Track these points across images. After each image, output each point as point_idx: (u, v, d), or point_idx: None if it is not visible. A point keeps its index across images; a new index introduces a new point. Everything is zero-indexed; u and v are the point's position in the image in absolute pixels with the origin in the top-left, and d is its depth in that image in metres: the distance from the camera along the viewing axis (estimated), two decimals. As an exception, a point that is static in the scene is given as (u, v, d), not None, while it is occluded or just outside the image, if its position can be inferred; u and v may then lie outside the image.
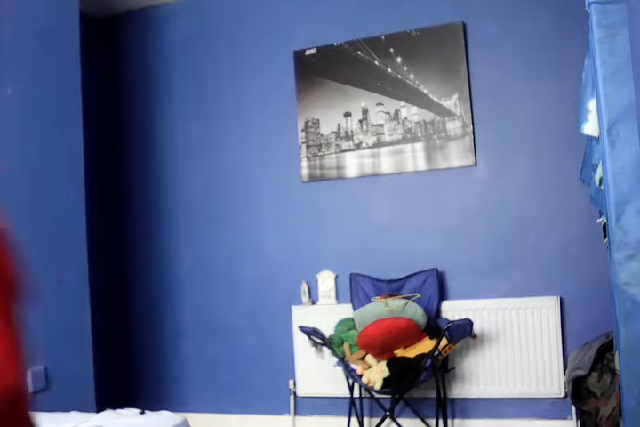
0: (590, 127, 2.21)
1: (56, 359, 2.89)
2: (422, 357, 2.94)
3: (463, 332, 2.97)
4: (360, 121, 3.58)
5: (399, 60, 3.51)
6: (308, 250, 3.66)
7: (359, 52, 3.59)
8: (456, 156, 3.40)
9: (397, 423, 3.14)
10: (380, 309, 3.15)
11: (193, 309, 3.88)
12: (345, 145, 3.60)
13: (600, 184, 2.17)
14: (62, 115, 3.14)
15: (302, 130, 3.69)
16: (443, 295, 3.36)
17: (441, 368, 3.15)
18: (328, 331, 3.32)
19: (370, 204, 3.57)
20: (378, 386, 2.90)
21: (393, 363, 2.94)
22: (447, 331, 2.90)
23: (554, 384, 3.16)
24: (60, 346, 2.95)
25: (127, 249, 4.06)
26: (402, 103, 3.50)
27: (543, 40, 3.29)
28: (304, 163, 3.68)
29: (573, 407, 3.07)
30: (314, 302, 3.61)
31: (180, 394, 3.86)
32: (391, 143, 3.51)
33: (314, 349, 3.47)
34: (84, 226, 3.21)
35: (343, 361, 3.12)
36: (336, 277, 3.57)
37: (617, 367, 2.04)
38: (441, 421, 3.14)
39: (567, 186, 3.18)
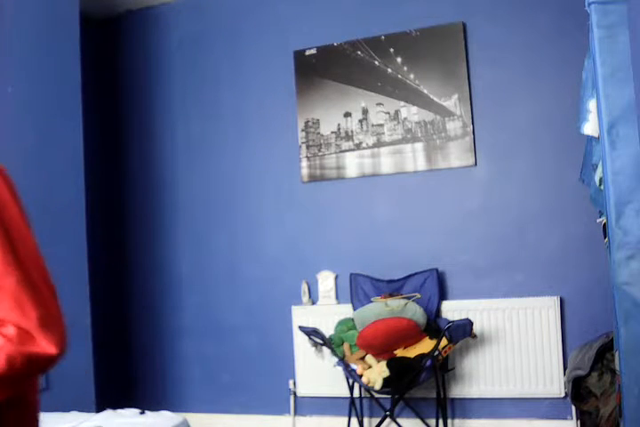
0: (590, 127, 2.21)
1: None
2: (422, 357, 2.94)
3: (463, 332, 2.97)
4: (360, 121, 3.58)
5: (399, 60, 3.51)
6: (308, 250, 3.66)
7: (359, 52, 3.59)
8: (456, 156, 3.40)
9: (397, 423, 3.14)
10: (380, 309, 3.15)
11: (193, 309, 3.88)
12: (345, 145, 3.60)
13: (600, 184, 2.17)
14: (62, 115, 3.14)
15: (302, 130, 3.68)
16: (443, 295, 3.36)
17: (441, 368, 3.15)
18: (328, 331, 3.32)
19: (370, 204, 3.57)
20: (378, 386, 2.90)
21: (393, 363, 2.94)
22: (447, 331, 2.90)
23: (554, 384, 3.16)
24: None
25: (127, 249, 4.06)
26: (402, 103, 3.50)
27: (543, 40, 3.29)
28: (304, 163, 3.68)
29: (573, 407, 3.07)
30: (314, 302, 3.61)
31: (180, 394, 3.86)
32: (391, 143, 3.51)
33: (314, 349, 3.47)
34: (84, 226, 3.21)
35: (343, 361, 3.12)
36: (336, 277, 3.57)
37: (617, 367, 2.04)
38: (441, 421, 3.14)
39: (567, 186, 3.18)
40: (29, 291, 0.87)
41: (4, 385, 0.85)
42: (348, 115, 3.60)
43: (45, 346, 0.85)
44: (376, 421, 3.22)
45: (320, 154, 3.64)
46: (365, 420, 3.38)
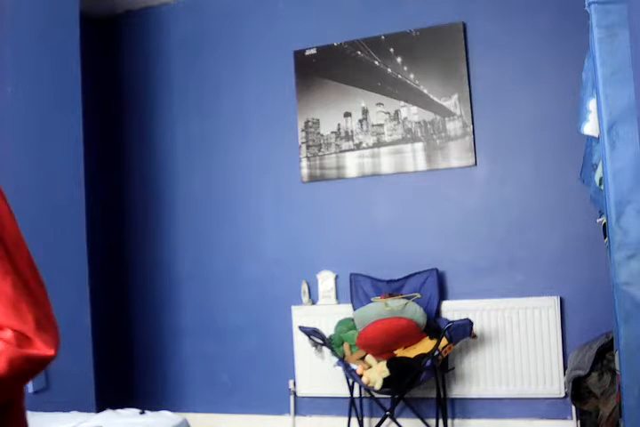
0: (590, 127, 2.21)
1: (56, 359, 2.89)
2: (422, 357, 2.94)
3: (463, 332, 2.97)
4: (360, 121, 3.58)
5: (399, 60, 3.51)
6: (307, 250, 3.66)
7: (359, 52, 3.59)
8: (456, 156, 3.40)
9: (397, 423, 3.14)
10: (380, 309, 3.15)
11: (193, 309, 3.88)
12: (345, 145, 3.60)
13: (600, 184, 2.17)
14: (62, 115, 3.14)
15: (302, 130, 3.68)
16: (443, 295, 3.36)
17: (441, 368, 3.15)
18: (328, 331, 3.32)
19: (370, 204, 3.57)
20: (378, 386, 2.90)
21: (393, 363, 2.94)
22: (447, 331, 2.90)
23: (554, 384, 3.16)
24: (60, 346, 2.95)
25: (127, 249, 4.06)
26: (402, 103, 3.50)
27: (543, 40, 3.29)
28: (304, 163, 3.68)
29: (573, 407, 3.07)
30: (314, 302, 3.61)
31: (180, 394, 3.86)
32: (391, 143, 3.51)
33: (314, 349, 3.47)
34: (84, 225, 3.21)
35: (343, 361, 3.12)
36: (336, 278, 3.57)
37: (617, 367, 2.04)
38: (441, 421, 3.14)
39: (567, 186, 3.18)
40: (25, 295, 0.89)
41: (7, 388, 0.87)
42: (347, 115, 3.60)
43: (42, 348, 0.87)
44: (376, 421, 3.22)
45: (320, 154, 3.64)
46: (365, 420, 3.38)
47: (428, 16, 3.47)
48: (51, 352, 0.88)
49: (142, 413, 2.35)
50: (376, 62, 3.55)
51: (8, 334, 0.86)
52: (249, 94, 3.83)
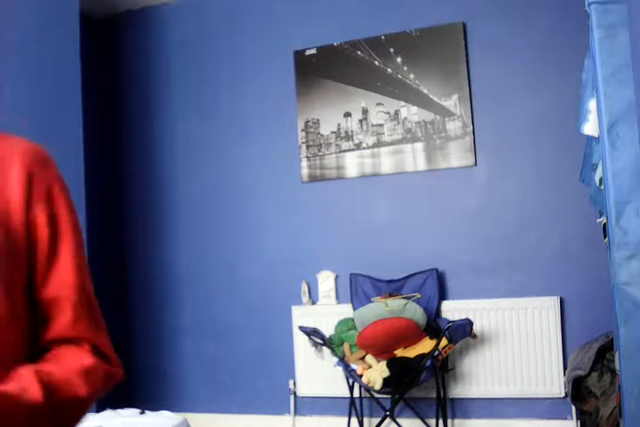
0: (590, 127, 2.21)
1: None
2: (422, 357, 2.94)
3: (463, 332, 2.97)
4: (360, 121, 3.58)
5: (399, 60, 3.51)
6: (307, 250, 3.65)
7: (359, 52, 3.59)
8: (456, 156, 3.40)
9: (397, 423, 3.14)
10: (380, 309, 3.15)
11: (193, 308, 3.88)
12: (345, 145, 3.60)
13: (600, 184, 2.17)
14: (62, 115, 3.14)
15: (302, 130, 3.68)
16: (443, 295, 3.36)
17: (441, 368, 3.15)
18: (328, 331, 3.32)
19: (370, 204, 3.57)
20: (378, 386, 2.90)
21: (393, 363, 2.94)
22: (447, 331, 2.90)
23: (554, 384, 3.16)
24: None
25: (127, 249, 4.06)
26: (402, 103, 3.50)
27: (543, 40, 3.29)
28: (304, 163, 3.68)
29: (573, 407, 3.07)
30: (314, 302, 3.61)
31: (180, 394, 3.86)
32: (391, 143, 3.51)
33: (314, 349, 3.47)
34: (84, 225, 3.21)
35: (343, 361, 3.12)
36: (336, 278, 3.57)
37: (617, 367, 2.04)
38: (441, 421, 3.14)
39: (567, 186, 3.18)
40: (97, 308, 0.85)
41: (93, 402, 0.80)
42: (347, 115, 3.60)
43: (116, 366, 0.82)
44: (376, 421, 3.22)
45: (320, 154, 3.64)
46: (365, 420, 3.38)
47: (428, 16, 3.47)
48: (121, 371, 0.82)
49: (142, 413, 2.36)
50: (376, 62, 3.55)
51: (94, 349, 0.80)
52: (249, 94, 3.83)
